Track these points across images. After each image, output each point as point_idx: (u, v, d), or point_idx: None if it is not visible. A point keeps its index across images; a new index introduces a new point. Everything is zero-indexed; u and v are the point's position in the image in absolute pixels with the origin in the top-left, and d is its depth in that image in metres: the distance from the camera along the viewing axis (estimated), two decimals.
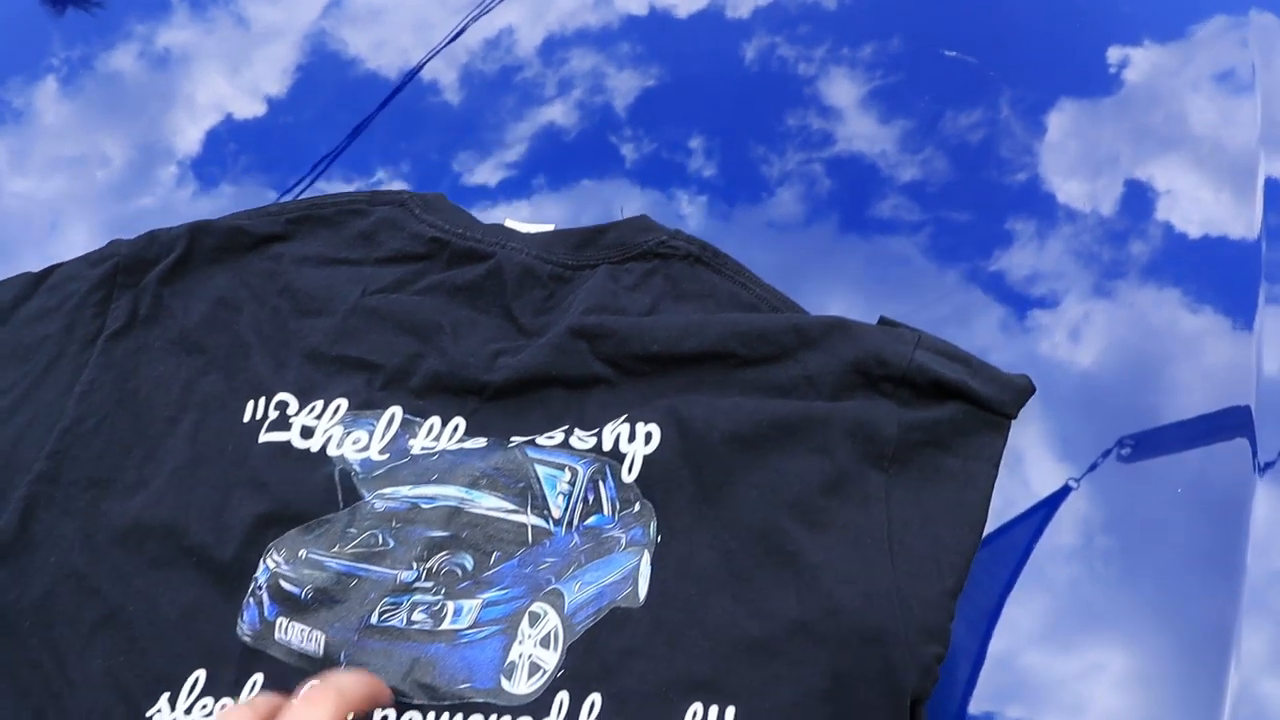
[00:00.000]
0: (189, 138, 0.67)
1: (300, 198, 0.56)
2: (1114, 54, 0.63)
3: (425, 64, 0.67)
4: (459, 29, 0.68)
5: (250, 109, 0.68)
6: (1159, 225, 0.58)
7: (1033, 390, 0.46)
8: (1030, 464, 0.51)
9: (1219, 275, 0.55)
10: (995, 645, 0.46)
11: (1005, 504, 0.50)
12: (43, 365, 0.48)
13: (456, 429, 0.47)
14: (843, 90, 0.64)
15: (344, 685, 0.36)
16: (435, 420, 0.47)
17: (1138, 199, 0.59)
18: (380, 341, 0.49)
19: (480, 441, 0.46)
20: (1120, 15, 0.65)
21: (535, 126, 0.65)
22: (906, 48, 0.65)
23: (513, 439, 0.46)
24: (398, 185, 0.63)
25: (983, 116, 0.62)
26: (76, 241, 0.62)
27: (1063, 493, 0.49)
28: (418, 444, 0.46)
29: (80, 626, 0.43)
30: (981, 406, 0.44)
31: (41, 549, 0.44)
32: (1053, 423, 0.51)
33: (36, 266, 0.54)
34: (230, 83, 0.69)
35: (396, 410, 0.47)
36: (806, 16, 0.67)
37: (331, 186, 0.63)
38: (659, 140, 0.64)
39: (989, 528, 0.45)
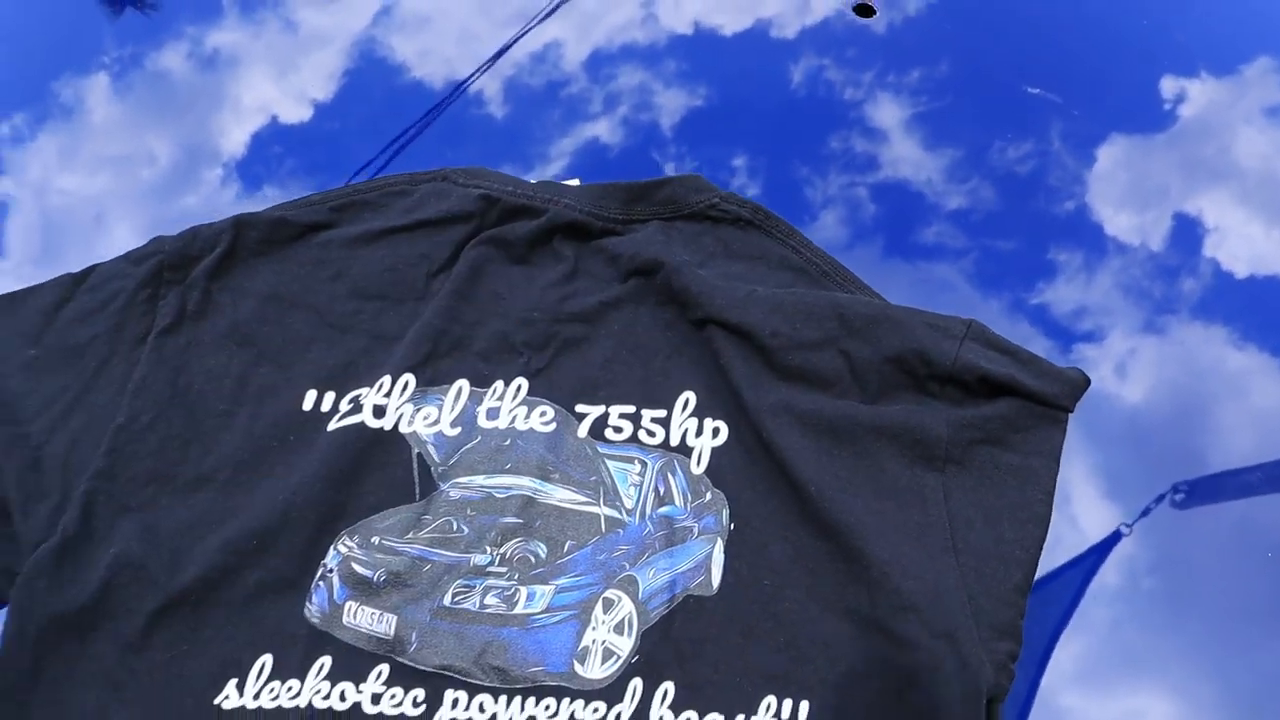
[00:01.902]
0: (234, 139, 0.68)
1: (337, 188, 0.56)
2: (1168, 87, 0.63)
3: (474, 79, 0.67)
4: (508, 44, 0.68)
5: (296, 113, 0.68)
6: (1207, 262, 0.57)
7: (1087, 383, 0.46)
8: (1077, 501, 0.50)
9: (1267, 314, 0.55)
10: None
11: (1053, 540, 0.49)
12: (93, 366, 0.48)
13: (520, 390, 0.47)
14: (889, 115, 0.64)
15: None
16: (499, 384, 0.48)
17: (1186, 234, 0.58)
18: (441, 312, 0.49)
19: (546, 412, 0.47)
20: (1173, 49, 0.65)
21: (579, 141, 0.65)
22: (955, 75, 0.65)
23: (580, 424, 0.47)
24: None
25: (1034, 147, 0.61)
26: (121, 238, 0.62)
27: (1114, 538, 0.48)
28: (484, 410, 0.47)
29: (139, 618, 0.43)
30: (1035, 400, 0.44)
31: (101, 544, 0.44)
32: (1100, 458, 0.51)
33: (82, 263, 0.54)
34: (277, 86, 0.69)
35: (463, 383, 0.48)
36: (855, 40, 0.67)
37: None
38: (702, 158, 0.64)
39: (1039, 572, 0.44)
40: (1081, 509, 0.50)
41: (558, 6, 0.69)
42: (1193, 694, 0.45)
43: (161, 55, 0.72)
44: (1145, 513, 0.48)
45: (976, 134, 0.62)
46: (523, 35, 0.69)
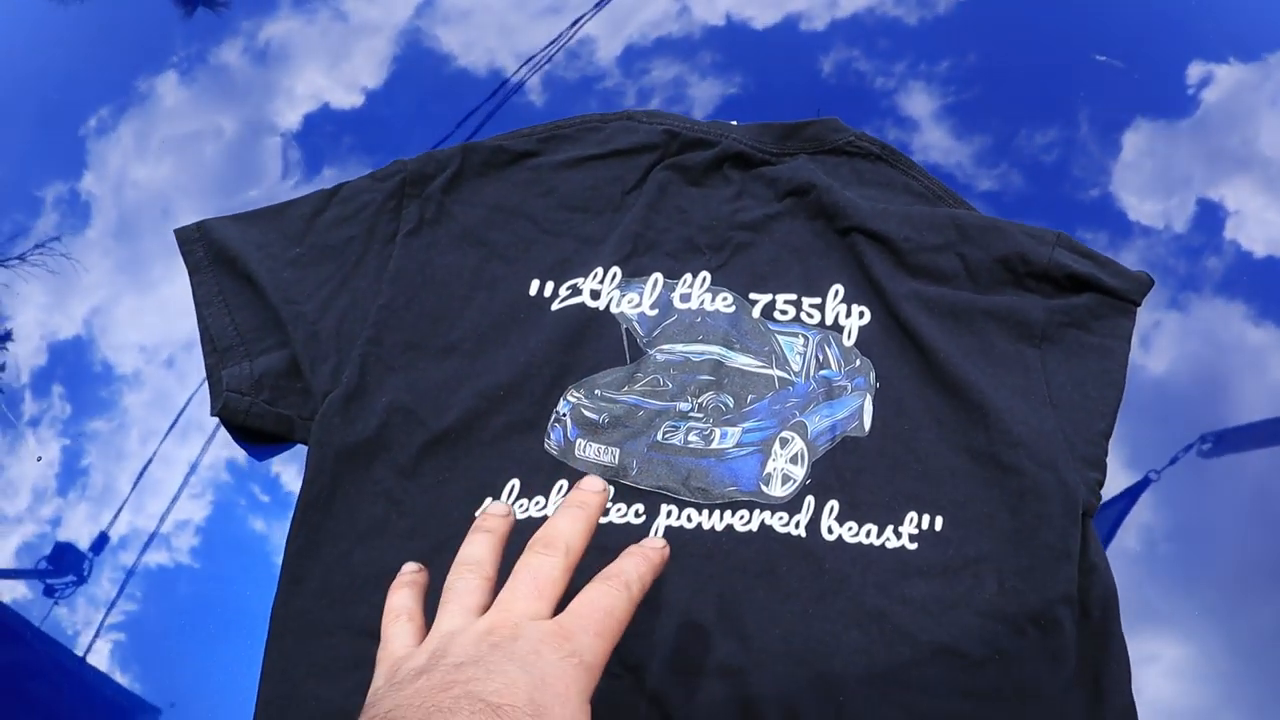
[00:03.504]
0: (290, 124, 0.71)
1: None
2: (1194, 73, 0.65)
3: (519, 75, 0.70)
4: (554, 41, 0.71)
5: (349, 100, 0.71)
6: (1229, 243, 0.59)
7: (1152, 283, 0.56)
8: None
9: None
10: None
11: None
12: (352, 260, 0.59)
13: (705, 280, 0.58)
14: (919, 104, 0.66)
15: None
16: (688, 276, 0.58)
17: (1209, 217, 0.60)
18: (637, 220, 0.59)
19: (726, 298, 0.57)
20: (1199, 36, 0.68)
21: None
22: (983, 65, 0.67)
23: (754, 308, 0.57)
24: None
25: (1059, 135, 0.64)
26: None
27: (1143, 483, 0.54)
28: (677, 295, 0.58)
29: (411, 449, 0.53)
30: (1111, 295, 0.55)
31: (374, 394, 0.54)
32: (1125, 427, 0.53)
33: (154, 245, 0.58)
34: (329, 75, 0.72)
35: (658, 275, 0.58)
36: (885, 31, 0.69)
37: None
38: None
39: None
40: (1108, 474, 0.52)
41: (604, 3, 0.72)
42: (1202, 641, 0.50)
43: (221, 49, 0.75)
44: (1174, 460, 0.54)
45: (1004, 122, 0.65)
46: (579, 26, 0.72)
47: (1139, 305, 0.55)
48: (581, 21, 0.72)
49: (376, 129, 0.70)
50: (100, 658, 0.53)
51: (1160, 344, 0.57)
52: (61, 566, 0.55)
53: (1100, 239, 0.61)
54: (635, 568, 0.38)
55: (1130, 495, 0.53)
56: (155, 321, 0.62)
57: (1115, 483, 0.53)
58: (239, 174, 0.68)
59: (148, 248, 0.62)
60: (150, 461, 0.58)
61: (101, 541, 0.56)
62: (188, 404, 0.59)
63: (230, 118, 0.71)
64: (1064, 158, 0.63)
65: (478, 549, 0.40)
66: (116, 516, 0.57)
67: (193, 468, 0.58)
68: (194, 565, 0.55)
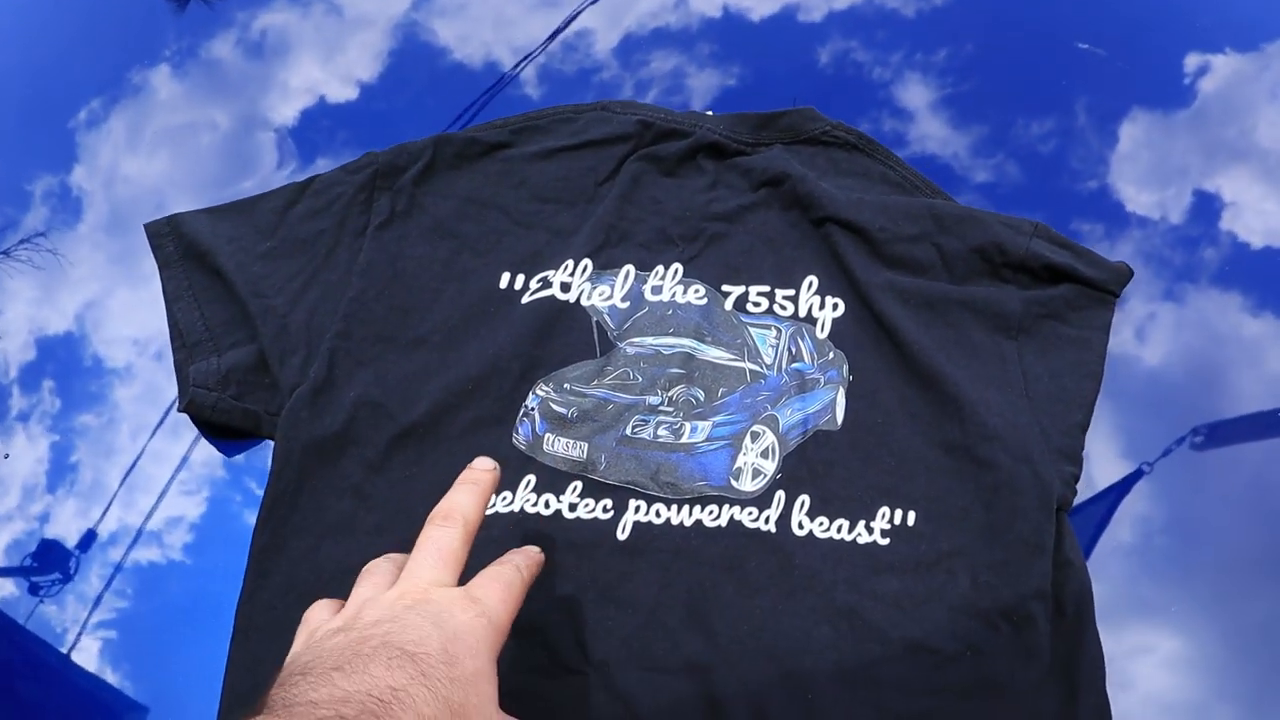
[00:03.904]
0: (284, 117, 0.70)
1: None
2: (1191, 63, 0.65)
3: (514, 68, 0.69)
4: (553, 34, 0.71)
5: (343, 93, 0.71)
6: (1225, 234, 0.59)
7: (1131, 274, 0.55)
8: (1096, 459, 0.53)
9: None
10: None
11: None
12: (323, 253, 0.58)
13: (677, 272, 0.57)
14: (916, 95, 0.66)
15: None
16: (660, 268, 0.58)
17: (1205, 209, 0.60)
18: (609, 211, 0.59)
19: (699, 289, 0.57)
20: (1195, 27, 0.67)
21: None
22: (980, 56, 0.67)
23: (726, 300, 0.57)
24: None
25: (1056, 125, 0.63)
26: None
27: (1136, 475, 0.53)
28: (649, 287, 0.57)
29: (379, 444, 0.53)
30: (1089, 286, 0.54)
31: (342, 387, 0.54)
32: (1120, 418, 0.53)
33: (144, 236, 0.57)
34: (324, 68, 0.72)
35: (630, 267, 0.58)
36: (882, 22, 0.69)
37: None
38: None
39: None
40: (1100, 465, 0.53)
41: None
42: (1196, 634, 0.49)
43: (214, 43, 0.74)
44: (1166, 452, 0.53)
45: (1001, 113, 0.65)
46: (572, 20, 0.71)
47: (1117, 296, 0.55)
48: (578, 13, 0.72)
49: (371, 122, 0.69)
50: (88, 656, 0.52)
51: (1156, 335, 0.57)
52: (47, 564, 0.55)
53: (1096, 230, 0.61)
54: (523, 560, 0.41)
55: (1123, 487, 0.53)
56: (147, 316, 0.61)
57: (1109, 474, 0.53)
58: (231, 167, 0.68)
59: (139, 241, 0.61)
60: (140, 456, 0.58)
61: (90, 538, 0.56)
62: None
63: (223, 110, 0.70)
64: (1060, 148, 0.63)
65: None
66: (105, 512, 0.56)
67: (183, 462, 0.57)
68: (185, 562, 0.55)
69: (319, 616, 0.39)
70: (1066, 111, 0.64)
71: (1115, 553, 0.51)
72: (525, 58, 0.70)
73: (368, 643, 0.33)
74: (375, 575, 0.40)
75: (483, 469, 0.42)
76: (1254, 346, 0.56)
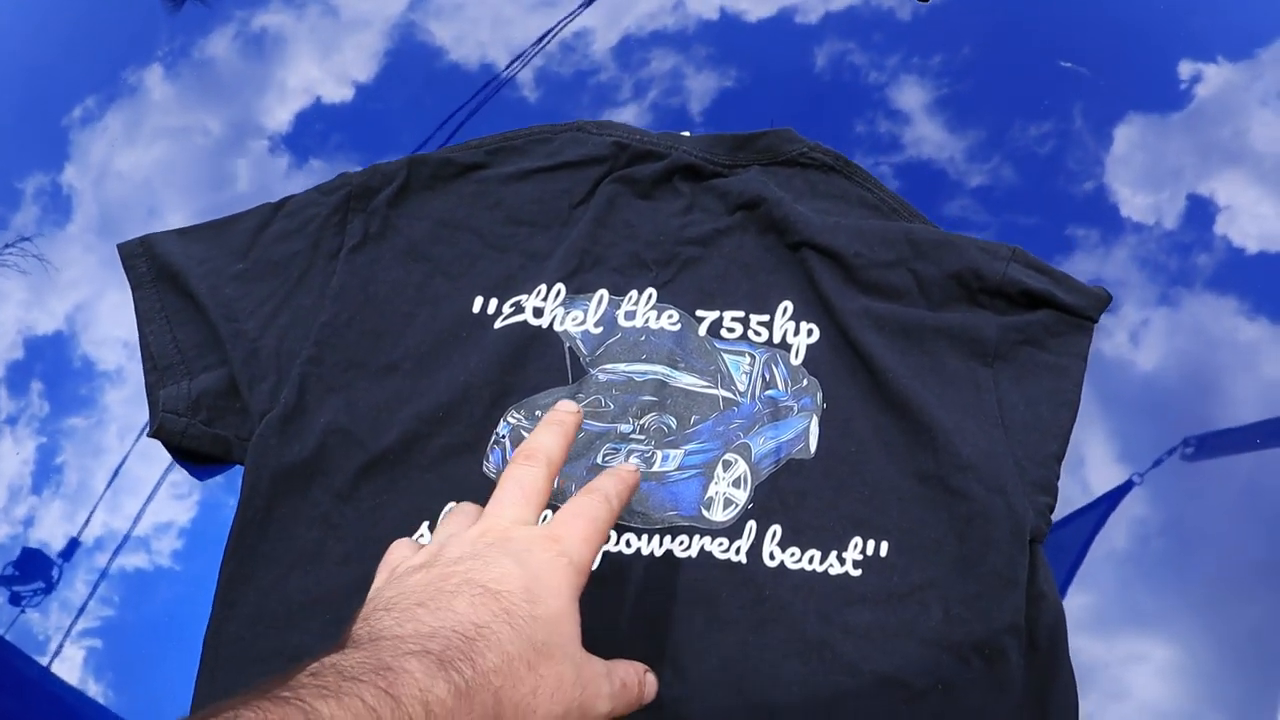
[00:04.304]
0: (279, 118, 0.70)
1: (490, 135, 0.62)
2: (1185, 69, 0.65)
3: (512, 69, 0.69)
4: (551, 30, 0.71)
5: (339, 93, 0.70)
6: (1220, 239, 0.59)
7: (1109, 299, 0.55)
8: (1090, 464, 0.53)
9: (1278, 288, 0.57)
10: None
11: (1064, 504, 0.51)
12: (296, 276, 0.58)
13: (650, 297, 0.57)
14: (912, 97, 0.66)
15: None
16: (634, 293, 0.57)
17: (1200, 213, 0.60)
18: (584, 235, 0.58)
19: (672, 315, 0.56)
20: (1191, 31, 0.67)
21: None
22: (976, 58, 0.67)
23: (700, 325, 0.56)
24: None
25: (1053, 128, 0.63)
26: (173, 221, 0.64)
27: (1126, 487, 0.52)
28: (622, 313, 0.57)
29: (348, 472, 0.52)
30: (1067, 312, 0.54)
31: (312, 414, 0.54)
32: (1114, 423, 0.53)
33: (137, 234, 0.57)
34: (320, 67, 0.71)
35: (603, 292, 0.57)
36: (878, 24, 0.69)
37: None
38: None
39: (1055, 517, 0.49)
40: (1094, 471, 0.52)
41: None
42: (1190, 642, 0.49)
43: (209, 41, 0.74)
44: (1157, 463, 0.53)
45: (998, 116, 0.64)
46: (568, 21, 0.71)
47: (1095, 322, 0.54)
48: (574, 15, 0.71)
49: (367, 123, 0.69)
50: (71, 666, 0.52)
51: (1150, 340, 0.57)
52: (30, 571, 0.54)
53: (1093, 235, 0.61)
54: (613, 485, 0.40)
55: (1114, 498, 0.52)
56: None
57: (1103, 478, 0.52)
58: (225, 169, 0.67)
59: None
60: (127, 458, 0.57)
61: (74, 543, 0.55)
62: None
63: (217, 112, 0.70)
64: (1057, 151, 0.63)
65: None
66: (91, 516, 0.55)
67: (173, 465, 0.56)
68: (174, 568, 0.54)
69: (401, 554, 0.39)
70: (1063, 115, 0.64)
71: (1109, 559, 0.51)
72: (519, 57, 0.70)
73: (450, 579, 0.33)
74: (459, 515, 0.40)
75: (566, 410, 0.42)
76: (1249, 351, 0.56)
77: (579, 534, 0.37)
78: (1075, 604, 0.50)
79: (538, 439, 0.41)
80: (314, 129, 0.69)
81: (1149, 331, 0.57)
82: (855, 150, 0.64)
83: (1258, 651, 0.48)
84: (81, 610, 0.53)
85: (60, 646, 0.51)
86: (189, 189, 0.67)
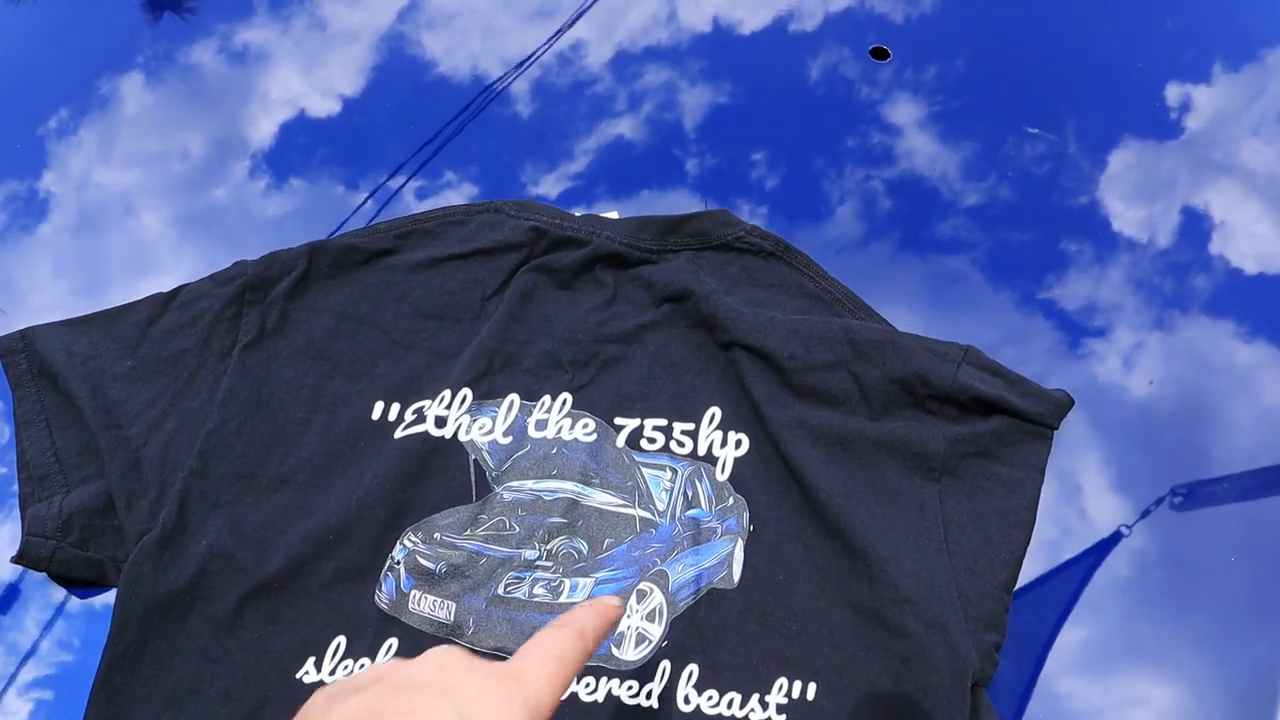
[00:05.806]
0: (263, 132, 0.70)
1: (398, 217, 0.59)
2: (1175, 93, 0.64)
3: (505, 80, 0.68)
4: (543, 45, 0.70)
5: (324, 107, 0.70)
6: (1217, 259, 0.58)
7: (1071, 404, 0.50)
8: (1086, 493, 0.52)
9: (1276, 310, 0.56)
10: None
11: (1062, 533, 0.51)
12: (185, 376, 0.54)
13: (565, 403, 0.53)
14: (905, 112, 0.65)
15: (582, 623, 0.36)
16: (546, 398, 0.53)
17: (1194, 231, 0.59)
18: (494, 332, 0.54)
19: (588, 424, 0.52)
20: (1183, 53, 0.66)
21: (603, 139, 0.67)
22: (970, 74, 0.66)
23: (619, 435, 0.52)
24: (465, 188, 0.65)
25: (1047, 146, 0.63)
26: (153, 229, 0.64)
27: (1114, 539, 0.50)
28: (533, 421, 0.52)
29: (230, 599, 0.48)
30: (1023, 419, 0.49)
31: (195, 535, 0.49)
32: (1108, 451, 0.52)
33: (119, 252, 0.56)
34: (305, 80, 0.71)
35: (514, 397, 0.53)
36: (873, 38, 0.68)
37: (394, 182, 0.65)
38: (723, 155, 0.65)
39: (1042, 569, 0.48)
40: (1090, 500, 0.52)
41: (590, 6, 0.71)
42: (1194, 682, 0.47)
43: (193, 51, 0.73)
44: (1145, 514, 0.50)
45: (990, 131, 0.64)
46: (558, 36, 0.70)
47: (1055, 429, 0.49)
48: (567, 28, 0.71)
49: (353, 137, 0.68)
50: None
51: (1145, 364, 0.56)
52: None
53: (1086, 254, 0.60)
54: (590, 620, 0.35)
55: (1101, 550, 0.49)
56: None
57: (1099, 506, 0.51)
58: (204, 179, 0.67)
59: (110, 248, 0.60)
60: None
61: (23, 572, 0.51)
62: None
63: (198, 123, 0.69)
64: (1052, 168, 0.62)
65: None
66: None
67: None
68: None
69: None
70: (1056, 130, 0.63)
71: (1113, 589, 0.49)
72: (516, 67, 0.69)
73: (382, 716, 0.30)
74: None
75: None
76: (1246, 375, 0.55)
77: (544, 674, 0.33)
78: (1071, 643, 0.48)
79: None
80: (297, 144, 0.68)
81: (1144, 356, 0.56)
82: (847, 163, 0.64)
83: (1259, 687, 0.46)
84: (31, 652, 0.49)
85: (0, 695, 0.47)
86: (167, 194, 0.66)
